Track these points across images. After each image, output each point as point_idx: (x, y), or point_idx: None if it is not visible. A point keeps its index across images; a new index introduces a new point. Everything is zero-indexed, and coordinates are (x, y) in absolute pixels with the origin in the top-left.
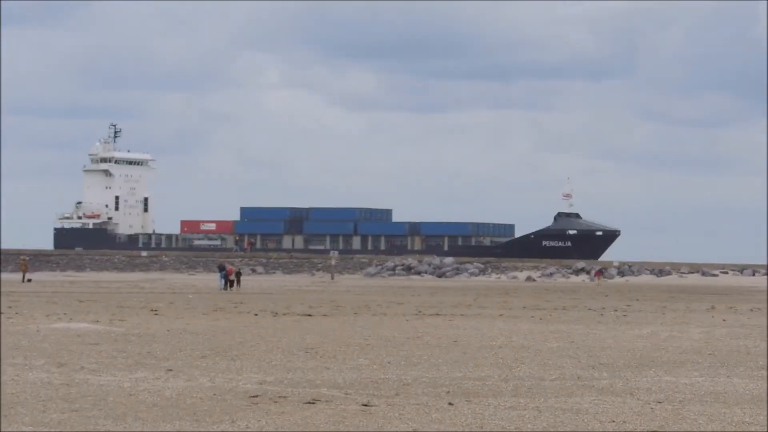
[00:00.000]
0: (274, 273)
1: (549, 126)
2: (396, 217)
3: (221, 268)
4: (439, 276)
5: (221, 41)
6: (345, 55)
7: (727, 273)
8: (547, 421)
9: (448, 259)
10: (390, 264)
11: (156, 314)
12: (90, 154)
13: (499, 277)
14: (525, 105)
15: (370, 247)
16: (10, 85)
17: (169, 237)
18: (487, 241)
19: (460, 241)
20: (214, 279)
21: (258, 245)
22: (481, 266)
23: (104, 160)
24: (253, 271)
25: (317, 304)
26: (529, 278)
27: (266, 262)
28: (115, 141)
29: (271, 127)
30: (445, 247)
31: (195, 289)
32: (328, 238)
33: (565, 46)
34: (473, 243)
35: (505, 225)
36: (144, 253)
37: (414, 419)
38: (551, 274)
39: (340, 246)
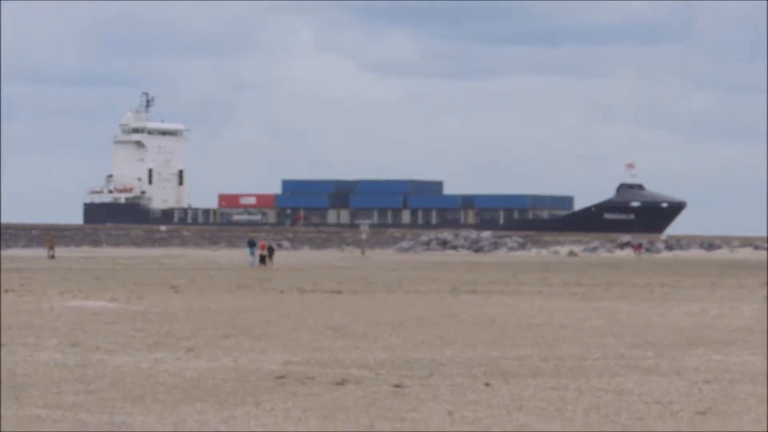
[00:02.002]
0: (301, 248)
1: (598, 94)
2: (447, 190)
3: (251, 244)
4: (476, 251)
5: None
6: (381, 17)
7: None
8: (589, 402)
9: (486, 233)
10: (424, 238)
11: (176, 292)
12: (120, 125)
13: (539, 252)
14: (572, 71)
15: (420, 221)
16: (30, 52)
17: (206, 212)
18: (545, 215)
19: (516, 215)
20: (238, 255)
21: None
22: (521, 240)
23: (136, 130)
24: (279, 246)
25: (347, 281)
26: (571, 253)
27: (293, 237)
28: (147, 110)
29: (302, 95)
30: (501, 221)
31: (218, 265)
32: (376, 212)
33: (617, 9)
34: (530, 216)
35: (563, 197)
36: (163, 228)
37: (449, 401)
38: (594, 249)
39: (389, 220)
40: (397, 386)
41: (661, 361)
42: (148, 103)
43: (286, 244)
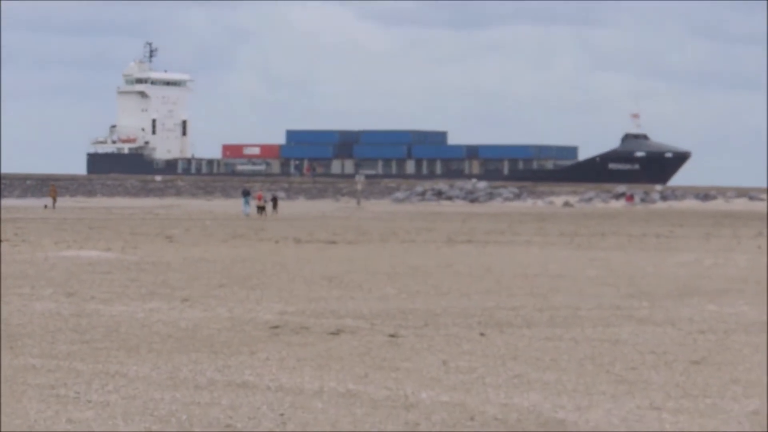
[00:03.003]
0: (296, 198)
1: (596, 43)
2: (452, 140)
3: (245, 194)
4: (471, 201)
5: None
6: None
7: None
8: (584, 352)
9: (481, 184)
10: (419, 189)
11: (171, 242)
12: (124, 75)
13: (535, 203)
14: (572, 20)
15: (425, 171)
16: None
17: (210, 162)
18: (549, 165)
19: (521, 165)
20: (233, 205)
21: (292, 169)
22: (516, 191)
23: (140, 80)
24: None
25: (342, 231)
26: (566, 203)
27: (288, 187)
28: (150, 60)
29: (302, 44)
30: (505, 171)
31: (213, 215)
32: (380, 163)
33: None
34: (535, 167)
35: (568, 148)
36: (158, 178)
37: (443, 350)
38: (590, 199)
39: (393, 171)
40: (392, 336)
41: (655, 311)
42: (152, 53)
43: (281, 194)
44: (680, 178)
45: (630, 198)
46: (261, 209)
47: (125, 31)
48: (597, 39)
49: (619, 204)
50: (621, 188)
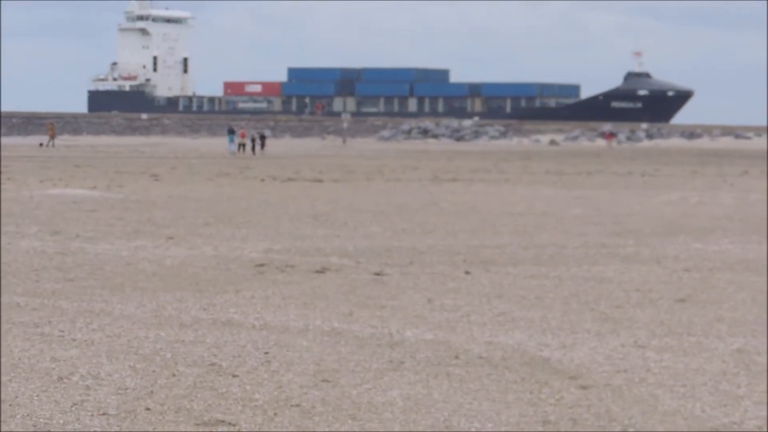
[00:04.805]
0: (282, 137)
1: None
2: (454, 78)
3: (230, 131)
4: (458, 140)
5: None
6: None
7: (761, 136)
8: (569, 290)
9: (467, 122)
10: (405, 127)
11: (156, 180)
12: (125, 12)
13: (520, 141)
14: None
15: (427, 109)
16: None
17: (211, 99)
18: (552, 103)
19: (523, 103)
20: (219, 143)
21: (309, 108)
22: (502, 129)
23: (141, 17)
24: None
25: (327, 169)
26: (552, 142)
27: (274, 125)
28: None
29: None
30: (508, 110)
31: (198, 153)
32: (382, 101)
33: None
34: (537, 105)
35: (570, 86)
36: (144, 116)
37: (428, 288)
38: (576, 138)
39: (395, 108)
40: (378, 274)
41: (641, 250)
42: None
43: (267, 132)
44: (683, 117)
45: (609, 136)
46: (242, 146)
47: None
48: None
49: (605, 143)
50: (606, 126)
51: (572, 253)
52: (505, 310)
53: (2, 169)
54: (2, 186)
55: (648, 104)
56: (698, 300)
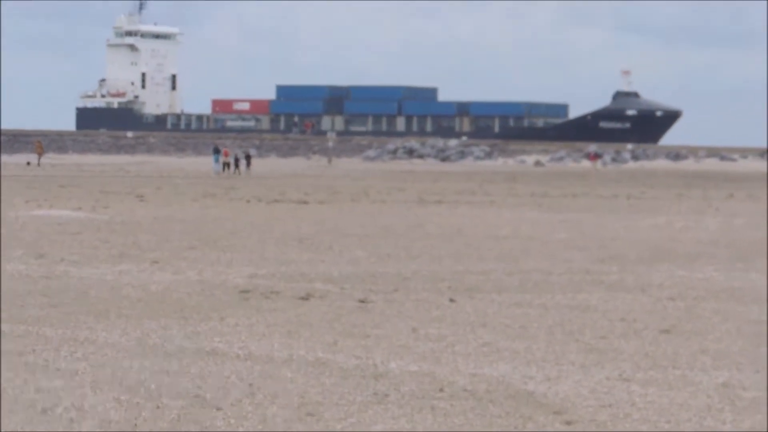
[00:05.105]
0: (268, 156)
1: None
2: (442, 97)
3: (216, 151)
4: (443, 160)
5: None
6: None
7: (746, 158)
8: (554, 319)
9: (452, 142)
10: (391, 147)
11: (142, 200)
12: (114, 28)
13: (506, 161)
14: None
15: (415, 128)
16: None
17: (200, 117)
18: (540, 123)
19: (511, 123)
20: (205, 162)
21: (299, 127)
22: (487, 149)
23: (129, 33)
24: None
25: (313, 190)
26: (537, 162)
27: (259, 144)
28: (140, 13)
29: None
30: (496, 129)
31: (184, 173)
32: (370, 119)
33: None
34: (526, 124)
35: (558, 105)
36: (130, 134)
37: (413, 316)
38: (561, 159)
39: (384, 127)
40: (362, 301)
41: (626, 277)
42: (141, 5)
43: (253, 151)
44: (671, 137)
45: (594, 157)
46: (226, 165)
47: None
48: None
49: (591, 164)
50: (591, 147)
51: (557, 280)
52: (490, 340)
53: None
54: None
55: (636, 124)
56: (683, 330)
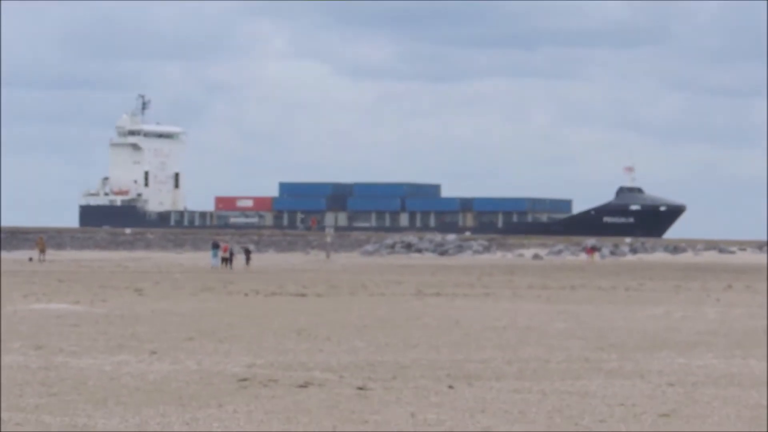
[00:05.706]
0: (266, 251)
1: (571, 96)
2: (445, 193)
3: (215, 246)
4: (441, 254)
5: (224, 5)
6: (356, 22)
7: (745, 250)
8: (553, 405)
9: (450, 236)
10: (389, 241)
11: (140, 294)
12: (117, 127)
13: (504, 255)
14: (547, 74)
15: (418, 224)
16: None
17: (203, 214)
18: (544, 218)
19: (515, 218)
20: (203, 257)
21: (298, 222)
22: (486, 243)
23: (132, 133)
24: (245, 249)
25: (311, 284)
26: (536, 256)
27: (258, 240)
28: (143, 113)
29: (279, 98)
30: (500, 224)
31: (182, 268)
32: (373, 215)
33: (595, 12)
34: (530, 220)
35: (562, 201)
36: (128, 230)
37: (412, 403)
38: (559, 252)
39: (387, 223)
40: (361, 389)
41: (624, 364)
42: (144, 105)
43: (252, 247)
44: (675, 232)
45: (591, 250)
46: (225, 261)
47: (94, 85)
48: (570, 91)
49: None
50: (590, 241)
51: (556, 368)
52: (489, 425)
53: None
54: None
55: (640, 219)
56: (682, 415)
